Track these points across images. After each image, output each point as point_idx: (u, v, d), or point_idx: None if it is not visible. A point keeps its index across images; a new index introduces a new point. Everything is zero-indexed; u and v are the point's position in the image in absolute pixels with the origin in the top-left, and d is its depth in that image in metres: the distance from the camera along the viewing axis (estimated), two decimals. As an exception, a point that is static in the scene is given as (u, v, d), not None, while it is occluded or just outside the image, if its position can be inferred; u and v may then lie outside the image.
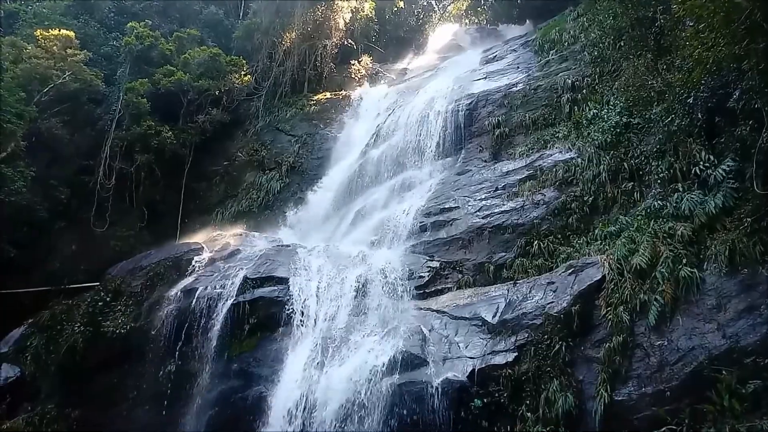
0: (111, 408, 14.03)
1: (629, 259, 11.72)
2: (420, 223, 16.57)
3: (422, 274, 14.88)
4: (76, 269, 20.14)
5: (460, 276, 14.80)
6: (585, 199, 14.95)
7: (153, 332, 14.25)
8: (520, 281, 13.24)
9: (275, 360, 12.96)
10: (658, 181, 13.48)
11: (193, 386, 13.30)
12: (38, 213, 20.05)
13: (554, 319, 11.62)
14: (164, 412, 13.23)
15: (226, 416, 12.44)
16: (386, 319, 13.25)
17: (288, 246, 16.18)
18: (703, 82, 12.26)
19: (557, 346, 11.31)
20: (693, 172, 12.53)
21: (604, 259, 12.20)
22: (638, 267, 11.45)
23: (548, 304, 12.00)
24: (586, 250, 13.74)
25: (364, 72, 28.96)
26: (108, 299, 15.49)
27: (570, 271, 12.49)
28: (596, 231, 13.98)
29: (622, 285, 11.45)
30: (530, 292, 12.56)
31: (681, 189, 12.55)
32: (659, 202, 12.88)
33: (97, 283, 17.10)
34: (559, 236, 14.68)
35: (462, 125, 19.36)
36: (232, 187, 23.80)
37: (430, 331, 12.60)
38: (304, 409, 11.79)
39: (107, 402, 14.12)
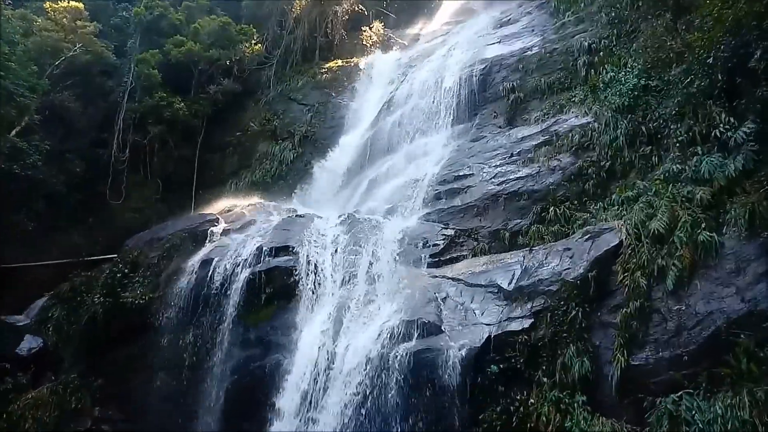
0: (132, 377, 14.28)
1: (647, 224, 11.59)
2: (434, 191, 16.50)
3: (437, 242, 14.84)
4: (93, 242, 20.43)
5: (475, 243, 14.76)
6: (602, 164, 14.76)
7: (171, 302, 14.39)
8: (536, 248, 13.18)
9: (292, 328, 13.08)
10: (677, 144, 13.25)
11: (211, 355, 13.46)
12: (54, 186, 20.24)
13: (570, 285, 11.57)
14: (184, 381, 13.46)
15: (245, 383, 12.63)
16: (401, 287, 13.27)
17: (302, 216, 16.19)
18: (723, 41, 11.92)
19: (573, 312, 11.28)
20: (713, 134, 12.28)
21: (622, 225, 12.09)
22: (656, 232, 11.32)
23: (564, 270, 11.94)
24: (602, 215, 13.61)
25: (375, 39, 28.54)
26: (126, 271, 15.65)
27: (586, 237, 12.40)
28: (613, 196, 13.81)
29: (639, 250, 11.35)
30: (546, 258, 12.50)
31: (700, 152, 12.32)
32: (678, 166, 12.66)
33: (115, 255, 17.29)
34: (576, 202, 14.56)
35: (476, 91, 19.07)
36: (245, 157, 23.80)
37: (445, 298, 12.62)
38: (321, 376, 11.93)
39: (128, 371, 14.38)
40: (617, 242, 11.86)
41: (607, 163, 14.69)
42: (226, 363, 13.25)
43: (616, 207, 13.54)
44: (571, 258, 12.13)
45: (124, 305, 14.74)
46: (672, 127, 13.74)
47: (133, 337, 14.61)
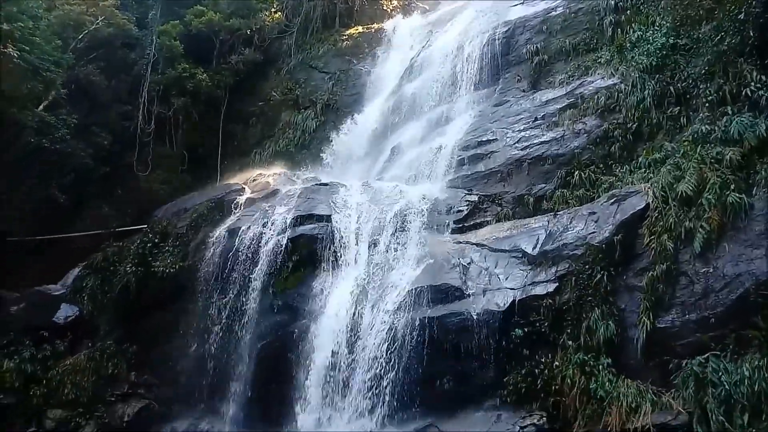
0: (165, 343, 14.72)
1: (674, 186, 11.45)
2: (457, 156, 16.41)
3: (461, 208, 14.86)
4: (123, 213, 20.79)
5: (499, 209, 14.73)
6: (628, 126, 14.53)
7: (200, 271, 14.70)
8: (561, 212, 13.12)
9: (318, 295, 13.30)
10: (706, 104, 12.97)
11: (241, 321, 13.77)
12: (83, 159, 20.55)
13: (596, 249, 11.54)
14: (215, 346, 13.81)
15: (275, 348, 12.93)
16: (425, 253, 13.36)
17: (326, 184, 16.28)
18: (756, -4, 11.56)
19: (599, 276, 11.28)
20: (743, 93, 12.00)
21: (648, 188, 11.96)
22: (684, 194, 11.18)
23: (589, 234, 11.91)
24: (629, 178, 13.47)
25: (396, 3, 28.11)
26: (156, 240, 15.98)
27: (612, 200, 12.30)
28: (640, 159, 13.63)
29: (666, 213, 11.24)
30: (571, 222, 12.45)
31: (730, 112, 12.06)
32: (707, 126, 12.42)
33: (145, 226, 17.64)
34: (601, 166, 14.40)
35: (498, 54, 18.75)
36: (268, 127, 23.86)
37: (469, 263, 12.68)
38: (347, 340, 12.17)
39: (161, 337, 14.82)
40: (644, 205, 11.74)
41: (634, 125, 14.45)
42: (255, 329, 13.54)
43: (643, 170, 13.37)
44: (596, 222, 12.06)
45: (156, 274, 15.09)
46: (701, 86, 13.44)
47: (165, 305, 15.01)
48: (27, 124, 18.69)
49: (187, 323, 14.48)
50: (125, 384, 14.44)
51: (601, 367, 10.49)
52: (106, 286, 16.33)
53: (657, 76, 14.68)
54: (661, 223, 11.22)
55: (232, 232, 14.95)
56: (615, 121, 14.78)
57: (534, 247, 12.39)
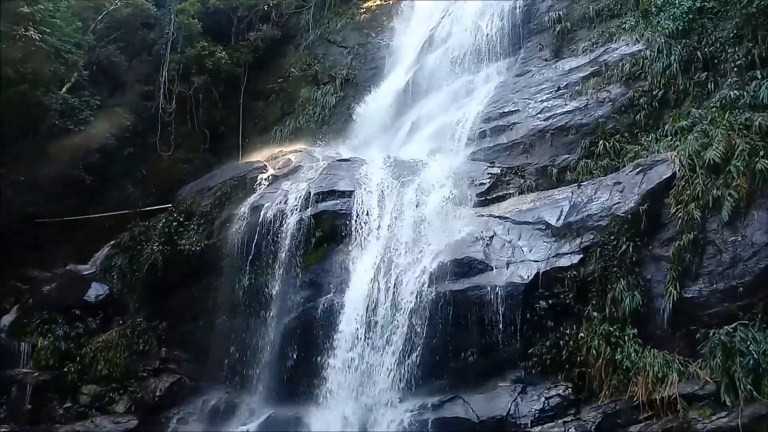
0: (193, 319, 15.00)
1: (702, 154, 11.20)
2: (479, 129, 16.24)
3: (483, 181, 14.75)
4: (148, 193, 21.08)
5: (522, 181, 14.60)
6: (654, 93, 14.23)
7: (225, 248, 14.85)
8: (585, 183, 12.97)
9: (342, 270, 13.38)
10: (735, 69, 12.64)
11: (266, 297, 13.94)
12: (107, 140, 20.83)
13: (621, 219, 11.41)
14: (242, 322, 14.03)
15: (301, 323, 13.07)
16: (448, 226, 13.34)
17: (348, 160, 16.28)
18: (788, -46, 11.13)
19: (624, 247, 11.17)
20: (774, 56, 11.64)
21: (675, 156, 11.73)
22: (711, 162, 10.95)
23: (614, 204, 11.76)
24: (655, 147, 13.23)
25: (414, -26, 27.63)
26: (181, 219, 16.17)
27: (638, 169, 12.10)
28: (666, 127, 13.37)
29: (693, 181, 11.04)
30: (595, 193, 12.30)
31: (759, 76, 11.77)
32: (735, 91, 12.12)
33: (169, 205, 17.87)
34: (626, 134, 14.16)
35: (520, 23, 18.40)
36: (288, 104, 23.83)
37: (492, 236, 12.64)
38: (372, 314, 12.26)
39: (190, 314, 15.09)
40: (670, 174, 11.54)
41: (660, 92, 14.15)
42: (280, 304, 13.70)
43: (669, 138, 13.12)
44: (621, 192, 11.90)
45: (182, 252, 15.30)
46: (729, 50, 13.10)
47: (191, 282, 15.25)
48: (51, 106, 18.96)
49: (214, 300, 14.70)
50: (156, 359, 14.77)
51: (626, 337, 10.44)
52: (134, 265, 16.63)
53: (683, 41, 14.31)
54: (688, 191, 11.02)
55: (255, 210, 15.06)
56: (640, 89, 14.50)
57: (558, 219, 12.28)
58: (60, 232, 19.62)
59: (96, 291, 16.56)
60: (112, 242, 18.46)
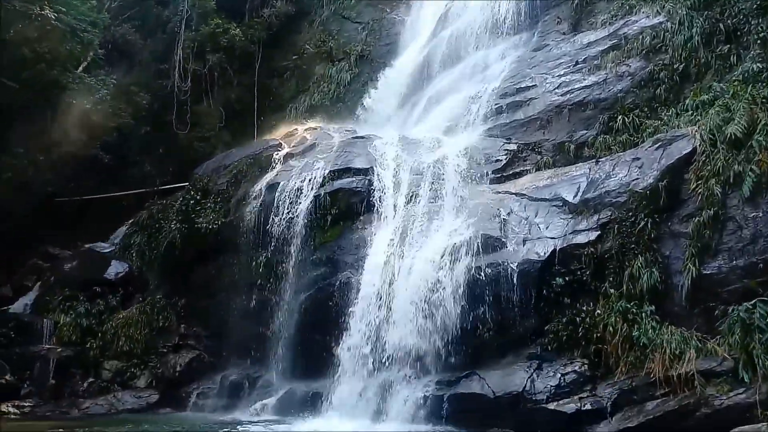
0: (212, 296, 15.19)
1: (723, 128, 10.96)
2: (495, 105, 16.06)
3: (499, 158, 14.64)
4: (164, 171, 21.27)
5: (538, 157, 14.46)
6: (675, 67, 13.95)
7: (242, 226, 14.95)
8: (603, 159, 12.80)
9: (358, 247, 13.41)
10: (758, 41, 12.31)
11: (283, 274, 14.04)
12: (124, 119, 20.96)
13: (639, 195, 11.26)
14: (259, 299, 14.18)
15: (317, 299, 13.18)
16: (464, 204, 13.29)
17: (363, 137, 16.21)
18: None
19: (642, 223, 11.03)
20: (800, 28, 11.32)
21: (696, 131, 11.49)
22: (733, 136, 10.71)
23: (633, 180, 11.60)
24: (675, 122, 13.00)
25: (429, -53, 27.17)
26: (198, 197, 16.28)
27: (657, 145, 11.90)
28: (687, 101, 13.10)
29: (714, 157, 10.82)
30: (614, 169, 12.14)
31: (785, 48, 11.43)
32: (758, 64, 11.82)
33: (186, 183, 18.00)
34: (646, 109, 13.93)
35: (537, -5, 18.08)
36: (302, 81, 23.77)
37: (508, 213, 12.57)
38: (388, 291, 12.29)
39: (208, 291, 15.28)
40: (690, 149, 11.33)
41: (681, 66, 13.87)
42: (297, 281, 13.80)
43: (690, 112, 12.87)
44: (640, 168, 11.73)
45: (199, 230, 15.43)
46: (753, 22, 12.75)
47: (209, 260, 15.42)
48: (68, 85, 19.08)
49: (231, 277, 14.86)
50: (176, 336, 15.01)
51: (644, 314, 10.36)
52: (153, 243, 16.83)
53: (705, 12, 13.98)
54: (709, 167, 10.82)
55: (271, 188, 15.11)
56: (661, 62, 14.23)
57: (575, 196, 12.16)
58: (79, 211, 19.92)
59: (116, 269, 16.82)
60: (130, 221, 18.69)
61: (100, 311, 15.57)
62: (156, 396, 13.73)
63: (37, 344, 14.66)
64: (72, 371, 14.25)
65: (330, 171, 14.62)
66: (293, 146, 16.93)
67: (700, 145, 11.17)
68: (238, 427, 10.45)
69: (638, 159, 11.90)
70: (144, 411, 13.24)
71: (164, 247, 16.01)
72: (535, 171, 14.09)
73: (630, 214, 11.22)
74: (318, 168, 14.86)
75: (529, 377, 10.49)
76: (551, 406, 10.04)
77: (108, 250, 17.90)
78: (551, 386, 10.27)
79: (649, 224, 10.96)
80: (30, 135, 19.18)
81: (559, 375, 10.41)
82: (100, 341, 14.84)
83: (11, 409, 12.72)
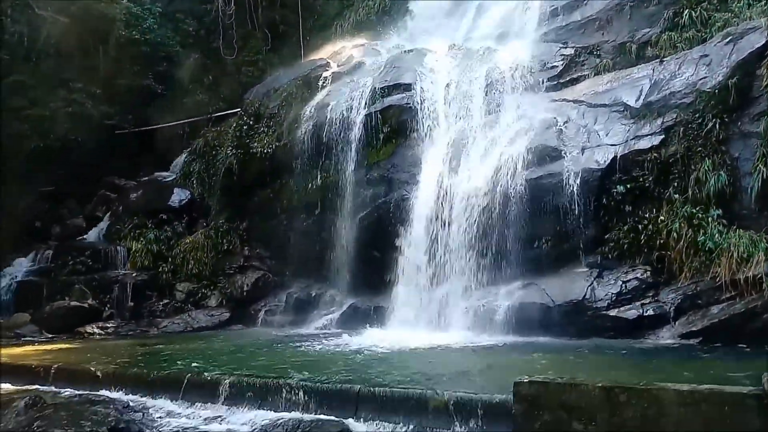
0: (271, 218, 15.56)
1: (800, 17, 10.13)
2: (550, 7, 15.23)
3: (555, 64, 14.03)
4: (216, 98, 21.38)
5: (597, 61, 13.75)
6: (747, -49, 12.77)
7: (296, 149, 15.06)
8: (667, 58, 12.08)
9: (412, 164, 13.35)
10: None
11: (339, 195, 14.20)
12: (172, 47, 21.04)
13: (707, 95, 10.67)
14: (316, 220, 14.46)
15: (373, 218, 13.33)
16: (519, 114, 12.94)
17: (411, 51, 15.77)
18: None
19: (710, 124, 10.50)
20: None
21: (770, 21, 10.66)
22: (812, 25, 9.91)
23: (700, 80, 10.97)
24: (746, 13, 12.10)
25: None
26: (251, 122, 16.42)
27: (727, 39, 11.12)
28: (760, -10, 12.09)
29: (790, 49, 10.07)
30: (679, 68, 11.48)
31: None
32: None
33: (238, 109, 18.13)
34: (715, 1, 12.97)
35: None
36: (349, -4, 22.99)
37: (566, 121, 12.17)
38: (444, 206, 12.30)
39: (267, 214, 15.66)
40: (763, 42, 10.55)
41: (754, -50, 12.69)
42: (352, 201, 13.94)
43: (763, 2, 11.95)
44: (708, 65, 11.06)
45: (255, 155, 15.67)
46: None
47: (267, 183, 15.67)
48: (115, 17, 19.15)
49: (290, 199, 15.14)
50: (240, 257, 15.57)
51: (710, 218, 10.06)
52: (211, 170, 17.25)
53: None
54: (784, 60, 10.10)
55: (322, 109, 15.05)
56: (731, -53, 13.06)
57: (637, 99, 11.63)
58: (140, 142, 20.45)
59: (179, 196, 17.37)
60: (188, 149, 19.11)
61: (168, 237, 16.23)
62: (227, 314, 14.45)
63: (113, 270, 15.55)
64: (148, 294, 15.11)
65: (380, 88, 14.38)
66: (341, 65, 16.69)
67: (774, 37, 10.37)
68: (307, 339, 10.95)
69: (706, 56, 11.21)
70: (217, 328, 14.00)
71: (222, 174, 16.38)
72: (594, 76, 13.45)
73: (697, 115, 10.69)
74: (367, 86, 14.64)
75: (589, 285, 10.48)
76: (612, 312, 10.07)
77: (170, 179, 18.46)
78: (612, 293, 10.26)
79: (717, 125, 10.44)
80: (85, 69, 19.57)
81: (621, 282, 10.36)
82: (170, 265, 15.56)
83: (96, 330, 13.71)
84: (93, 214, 18.61)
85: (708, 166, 10.30)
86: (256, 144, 15.80)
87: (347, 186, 14.10)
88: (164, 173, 19.05)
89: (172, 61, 21.30)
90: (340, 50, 18.16)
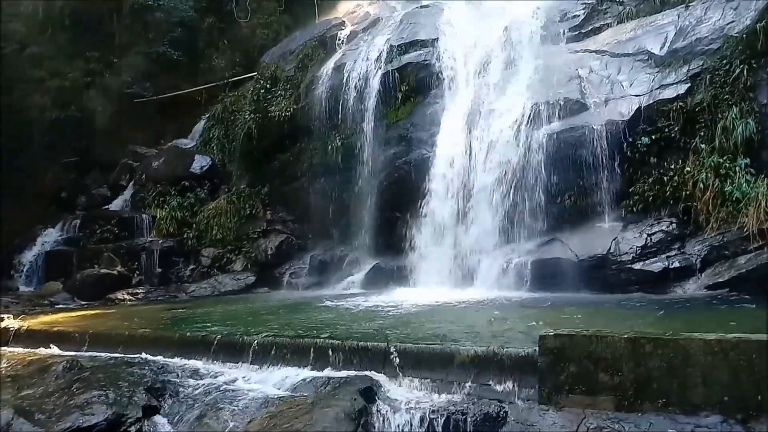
0: (292, 182, 15.62)
1: (836, -48, 9.67)
2: (570, -46, 14.73)
3: (576, 13, 13.65)
4: (232, 62, 21.25)
5: (620, 8, 13.31)
6: None
7: (314, 111, 14.99)
8: (693, 3, 11.66)
9: (431, 123, 13.21)
10: None
11: (359, 156, 14.16)
12: (186, 12, 20.87)
13: (734, 40, 10.33)
14: (337, 182, 14.44)
15: (395, 178, 13.30)
16: (540, 66, 12.67)
17: (427, 5, 15.45)
18: None
19: (737, 71, 10.19)
20: None
21: (802, -41, 10.20)
22: None
23: (727, 24, 10.62)
24: (777, -48, 11.52)
25: None
26: (268, 86, 16.33)
27: (756, -19, 10.69)
28: (792, -75, 11.50)
29: (824, -13, 9.65)
30: (705, 13, 11.11)
31: None
32: None
33: (255, 73, 18.02)
34: (743, -59, 12.37)
35: None
36: (360, -48, 22.48)
37: (589, 73, 11.90)
38: (465, 164, 12.22)
39: (287, 177, 15.71)
40: (795, -18, 10.14)
41: None
42: (372, 162, 13.91)
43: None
44: (735, 9, 10.69)
45: (273, 118, 15.63)
46: None
47: (286, 147, 15.69)
48: (127, -17, 19.03)
49: (310, 162, 15.15)
50: (263, 221, 15.68)
51: (737, 168, 9.85)
52: (230, 135, 17.27)
53: None
54: (816, 0, 9.70)
55: (338, 69, 14.90)
56: None
57: (662, 47, 11.30)
58: (159, 109, 20.50)
59: (200, 163, 17.43)
60: (207, 115, 19.12)
61: (191, 204, 16.36)
62: (253, 277, 14.63)
63: (140, 237, 15.81)
64: (174, 260, 15.33)
65: (396, 45, 14.17)
66: (356, 23, 16.45)
67: (807, -24, 9.94)
68: (333, 300, 11.08)
69: (733, -1, 10.80)
70: (243, 291, 14.20)
71: (241, 139, 16.39)
72: (617, 24, 13.05)
73: (724, 62, 10.39)
74: (384, 44, 14.43)
75: (613, 239, 10.40)
76: (637, 266, 10.00)
77: (190, 146, 18.55)
78: (637, 247, 10.16)
79: (745, 71, 10.13)
80: (100, 38, 19.55)
81: (646, 235, 10.25)
82: (195, 231, 15.71)
83: (126, 296, 14.02)
84: (117, 182, 18.84)
85: (735, 114, 10.03)
86: (273, 107, 15.75)
87: (367, 147, 14.04)
88: (184, 140, 19.14)
89: (187, 26, 21.16)
90: (355, 8, 17.87)
